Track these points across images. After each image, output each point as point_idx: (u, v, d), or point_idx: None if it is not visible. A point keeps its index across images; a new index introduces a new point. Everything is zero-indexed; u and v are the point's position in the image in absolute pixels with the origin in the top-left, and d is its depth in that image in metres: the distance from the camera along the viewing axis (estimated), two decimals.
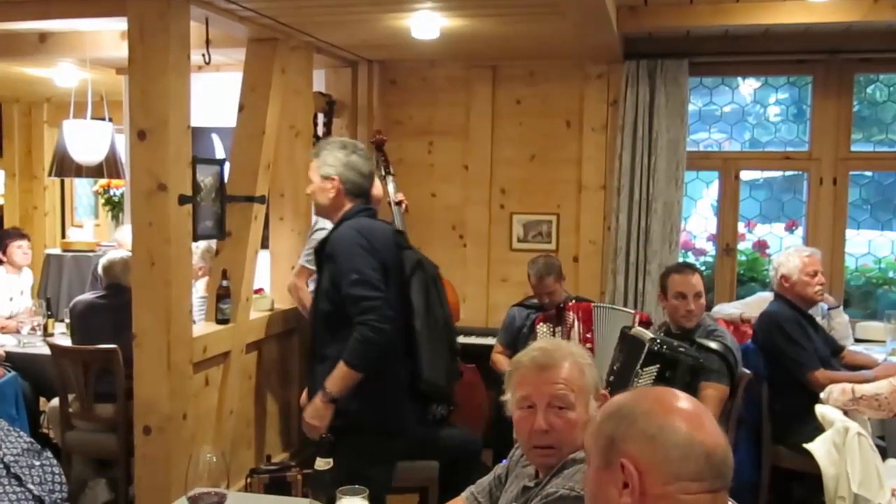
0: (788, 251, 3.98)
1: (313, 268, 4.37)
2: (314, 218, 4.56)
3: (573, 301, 4.27)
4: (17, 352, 4.48)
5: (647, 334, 3.40)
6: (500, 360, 4.29)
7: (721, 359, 3.40)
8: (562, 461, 1.81)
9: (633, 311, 4.21)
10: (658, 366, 3.25)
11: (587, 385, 1.84)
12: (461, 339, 4.83)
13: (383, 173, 4.81)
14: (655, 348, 3.29)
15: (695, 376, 3.27)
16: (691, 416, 1.27)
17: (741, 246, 5.34)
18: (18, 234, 5.57)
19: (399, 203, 4.65)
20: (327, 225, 4.48)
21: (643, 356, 3.29)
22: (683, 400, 1.31)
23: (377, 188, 4.54)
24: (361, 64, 5.34)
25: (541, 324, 4.20)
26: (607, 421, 1.32)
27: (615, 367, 3.50)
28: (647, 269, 4.91)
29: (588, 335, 4.02)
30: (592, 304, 4.25)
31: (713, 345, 3.43)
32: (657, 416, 1.26)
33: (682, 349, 3.30)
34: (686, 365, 3.25)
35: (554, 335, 4.09)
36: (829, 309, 4.34)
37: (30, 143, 7.84)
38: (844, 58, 4.82)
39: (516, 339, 4.28)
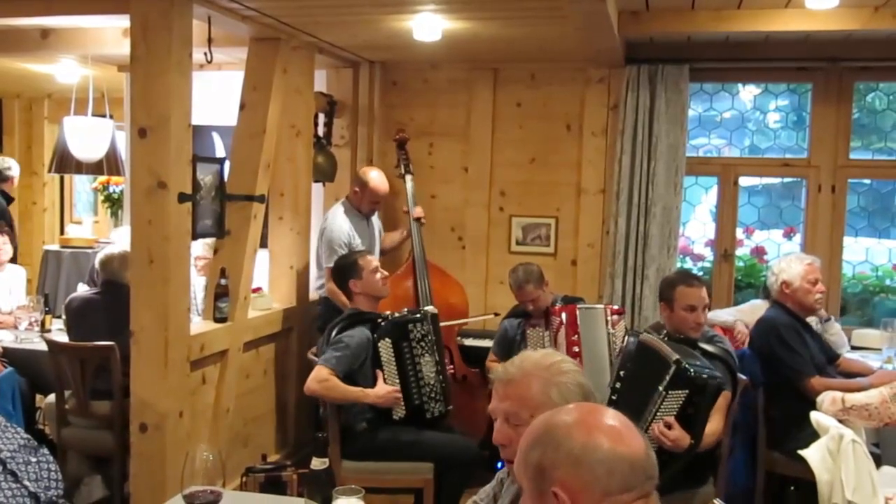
0: (789, 257, 3.96)
1: None
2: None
3: (560, 303, 4.26)
4: (14, 347, 4.46)
5: (670, 352, 3.12)
6: (492, 367, 4.28)
7: (724, 366, 3.36)
8: None
9: (602, 305, 4.15)
10: (687, 391, 3.05)
11: (552, 405, 1.73)
12: (462, 342, 4.86)
13: (403, 171, 4.84)
14: (684, 373, 3.03)
15: (716, 397, 3.13)
16: (612, 429, 1.29)
17: (739, 252, 5.34)
18: None
19: (418, 219, 4.68)
20: (336, 222, 4.53)
21: (669, 377, 3.04)
22: (603, 413, 1.34)
23: (381, 183, 4.60)
24: (363, 65, 5.35)
25: (530, 329, 4.20)
26: (533, 449, 1.32)
27: (622, 374, 3.29)
28: (646, 274, 4.91)
29: (574, 337, 4.00)
30: (577, 306, 4.24)
31: (717, 351, 3.41)
32: (579, 435, 1.28)
33: (706, 371, 3.10)
34: (713, 388, 3.07)
35: (544, 338, 4.11)
36: (824, 321, 4.31)
37: (30, 138, 7.84)
38: (844, 66, 4.83)
39: (510, 350, 4.26)
